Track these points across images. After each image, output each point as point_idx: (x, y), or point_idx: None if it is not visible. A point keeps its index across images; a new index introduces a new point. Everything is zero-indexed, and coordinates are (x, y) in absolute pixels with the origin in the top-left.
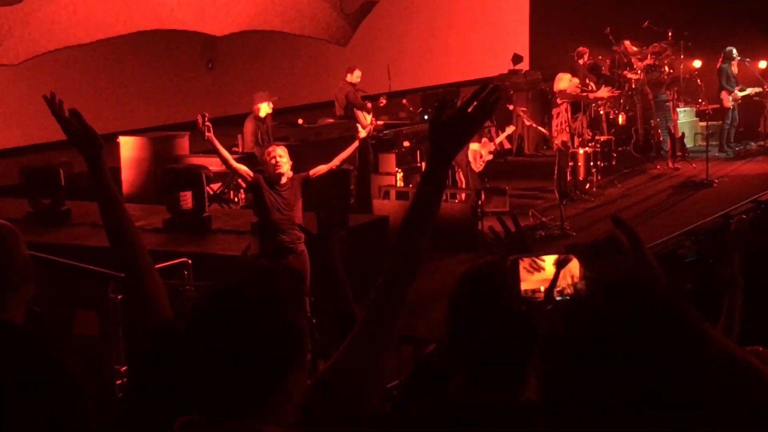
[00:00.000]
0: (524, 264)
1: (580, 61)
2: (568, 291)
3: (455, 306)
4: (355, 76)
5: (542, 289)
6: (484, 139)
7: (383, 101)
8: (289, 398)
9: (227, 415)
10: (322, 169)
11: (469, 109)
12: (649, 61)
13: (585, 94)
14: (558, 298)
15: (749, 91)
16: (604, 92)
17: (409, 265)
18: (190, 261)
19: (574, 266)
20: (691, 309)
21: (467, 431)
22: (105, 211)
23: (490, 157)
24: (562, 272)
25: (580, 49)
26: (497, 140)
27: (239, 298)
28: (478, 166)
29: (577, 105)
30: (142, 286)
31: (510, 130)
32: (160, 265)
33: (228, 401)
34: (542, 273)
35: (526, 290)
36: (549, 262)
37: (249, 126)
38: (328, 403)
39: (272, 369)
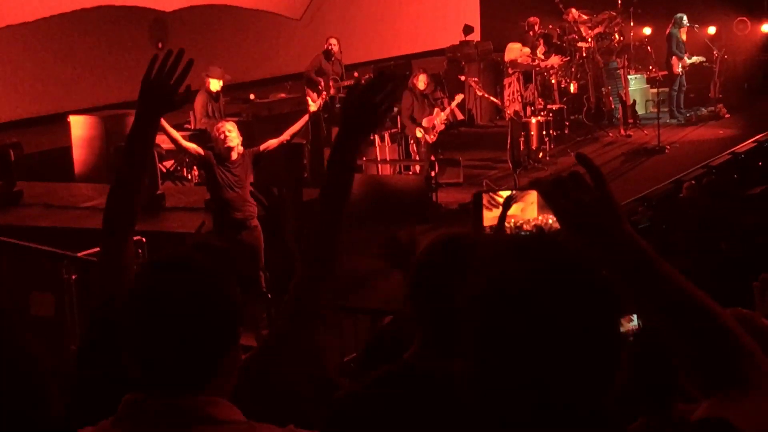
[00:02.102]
0: (485, 200)
1: (530, 33)
2: (527, 227)
3: (421, 274)
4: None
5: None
6: (436, 110)
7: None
8: (231, 375)
9: (172, 393)
10: (272, 143)
11: (375, 100)
12: (599, 29)
13: (536, 63)
14: (522, 233)
15: (695, 59)
16: (554, 60)
17: (330, 247)
18: (144, 239)
19: (532, 200)
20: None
21: (424, 397)
22: (129, 170)
23: (443, 126)
24: (522, 207)
25: (531, 19)
26: (448, 110)
27: (179, 273)
28: (431, 137)
29: (528, 75)
30: (122, 257)
31: (459, 98)
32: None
33: (172, 378)
34: (500, 209)
35: (488, 226)
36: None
37: (200, 101)
38: (269, 375)
39: (215, 345)
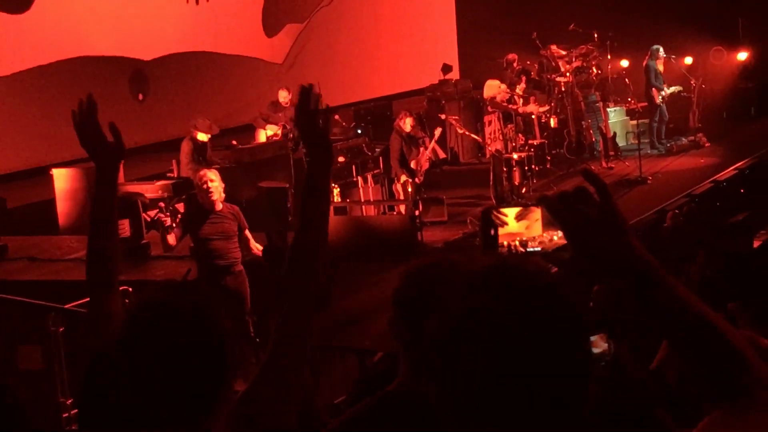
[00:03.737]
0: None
1: (509, 69)
2: (532, 244)
3: (398, 304)
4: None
5: (505, 243)
6: (421, 149)
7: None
8: (222, 414)
9: None
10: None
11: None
12: (576, 63)
13: (514, 107)
14: (530, 249)
15: (673, 89)
16: (533, 108)
17: (312, 282)
18: (131, 289)
19: (536, 217)
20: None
21: (405, 426)
22: (100, 224)
23: (427, 165)
24: (527, 224)
25: (509, 56)
26: (429, 147)
27: (167, 317)
28: (418, 179)
29: (508, 113)
30: (109, 307)
31: (438, 132)
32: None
33: (165, 420)
34: (506, 228)
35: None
36: (511, 216)
37: (185, 149)
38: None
39: (206, 386)
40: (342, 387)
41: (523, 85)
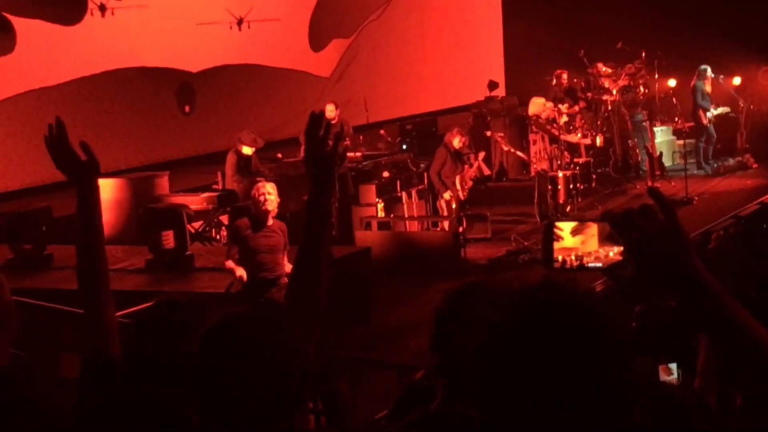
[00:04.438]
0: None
1: (556, 86)
2: (587, 259)
3: (439, 323)
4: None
5: (560, 258)
6: (465, 167)
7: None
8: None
9: None
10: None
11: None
12: (623, 82)
13: (557, 132)
14: (590, 266)
15: (721, 110)
16: (573, 138)
17: (320, 288)
18: None
19: (593, 233)
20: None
21: None
22: (85, 242)
23: (471, 183)
24: (583, 239)
25: (558, 72)
26: (474, 165)
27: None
28: (463, 194)
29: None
30: (106, 322)
31: (481, 155)
32: (143, 306)
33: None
34: (561, 242)
35: (556, 257)
36: (567, 230)
37: (230, 161)
38: None
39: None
40: (381, 402)
41: (566, 105)
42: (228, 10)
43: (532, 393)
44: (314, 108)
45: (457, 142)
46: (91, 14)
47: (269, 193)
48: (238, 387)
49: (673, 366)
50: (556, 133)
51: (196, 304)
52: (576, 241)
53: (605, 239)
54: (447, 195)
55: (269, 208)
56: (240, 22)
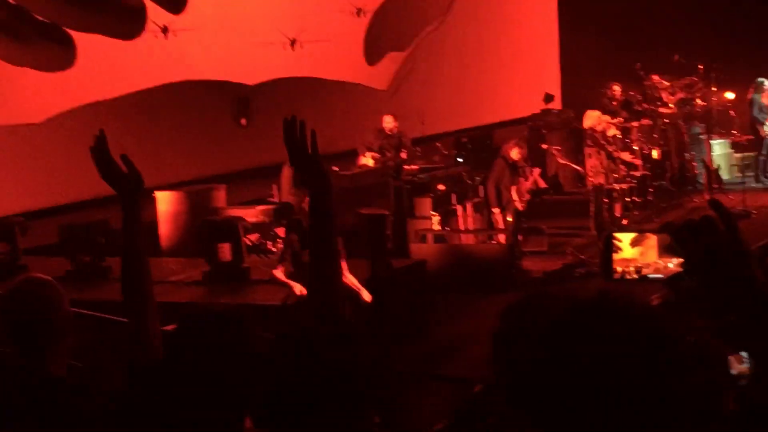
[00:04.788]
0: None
1: (611, 101)
2: (646, 271)
3: (497, 337)
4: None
5: (619, 269)
6: (520, 180)
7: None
8: None
9: None
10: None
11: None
12: (680, 94)
13: (611, 148)
14: (650, 277)
15: None
16: (627, 156)
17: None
18: None
19: (652, 244)
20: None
21: None
22: (131, 256)
23: (528, 196)
24: (641, 251)
25: (610, 84)
26: (530, 179)
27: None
28: (521, 206)
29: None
30: (147, 330)
31: (537, 172)
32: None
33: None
34: (620, 253)
35: (615, 269)
36: (626, 241)
37: (286, 174)
38: None
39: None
40: (438, 415)
41: (619, 119)
42: (280, 31)
43: (593, 407)
44: (371, 121)
45: (515, 154)
46: (155, 36)
47: None
48: (305, 394)
49: (745, 354)
50: (610, 149)
51: (233, 314)
52: (635, 253)
53: (665, 251)
54: (496, 210)
55: None
56: (293, 42)
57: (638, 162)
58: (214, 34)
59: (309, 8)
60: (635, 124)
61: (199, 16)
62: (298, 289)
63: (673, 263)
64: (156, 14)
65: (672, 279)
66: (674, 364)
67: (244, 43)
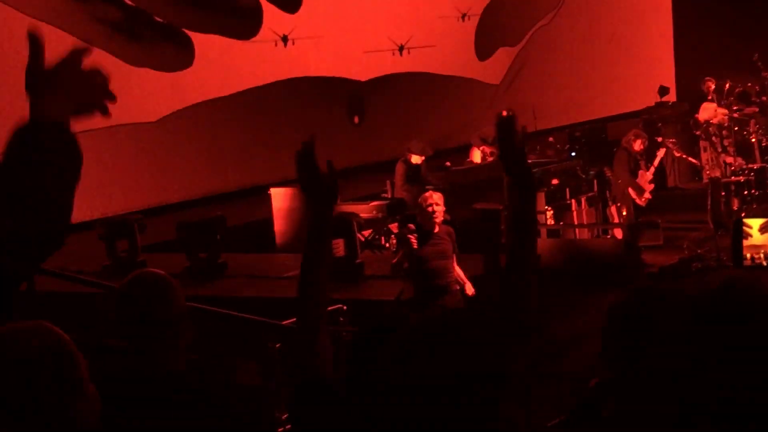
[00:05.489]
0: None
1: (705, 90)
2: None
3: (610, 332)
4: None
5: (748, 256)
6: (640, 172)
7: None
8: None
9: None
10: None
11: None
12: None
13: (718, 150)
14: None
15: None
16: (731, 160)
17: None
18: (345, 307)
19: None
20: None
21: None
22: (316, 264)
23: (651, 186)
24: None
25: (706, 79)
26: (650, 170)
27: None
28: (642, 201)
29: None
30: (321, 343)
31: (661, 153)
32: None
33: None
34: (750, 240)
35: (746, 254)
36: (755, 227)
37: (400, 170)
38: None
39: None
40: (554, 411)
41: (734, 108)
42: (389, 38)
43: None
44: (485, 116)
45: (637, 145)
46: (275, 45)
47: (437, 204)
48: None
49: None
50: (726, 143)
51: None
52: (765, 239)
53: None
54: (633, 194)
55: (438, 219)
56: (401, 49)
57: (735, 163)
58: (331, 43)
59: (415, 15)
60: (748, 111)
61: (312, 24)
62: (470, 288)
63: None
64: (272, 19)
65: None
66: None
67: (354, 50)
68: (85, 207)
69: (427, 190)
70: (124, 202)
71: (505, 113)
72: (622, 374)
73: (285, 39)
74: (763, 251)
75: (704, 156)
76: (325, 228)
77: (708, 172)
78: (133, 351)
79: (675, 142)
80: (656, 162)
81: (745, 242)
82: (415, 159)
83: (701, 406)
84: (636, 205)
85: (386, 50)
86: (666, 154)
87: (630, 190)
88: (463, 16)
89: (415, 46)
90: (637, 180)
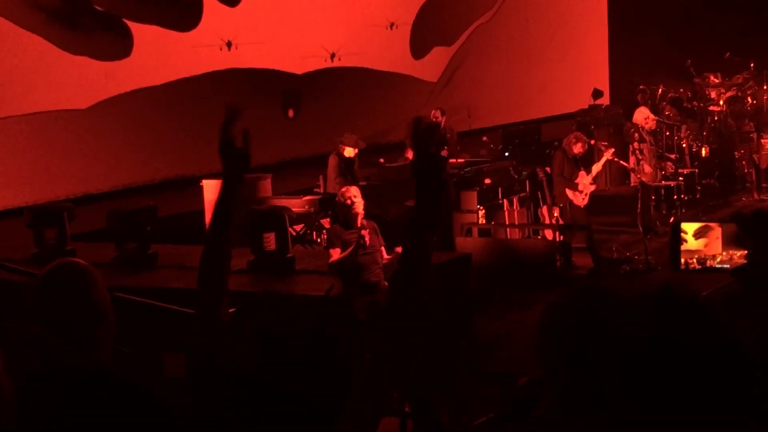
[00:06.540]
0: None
1: (641, 100)
2: (711, 263)
3: (550, 333)
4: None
5: (682, 261)
6: (580, 173)
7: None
8: None
9: None
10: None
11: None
12: (731, 92)
13: (629, 165)
14: (717, 267)
15: None
16: (648, 170)
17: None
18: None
19: (716, 235)
20: None
21: None
22: (219, 233)
23: (593, 187)
24: (706, 242)
25: (641, 87)
26: (593, 171)
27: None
28: (581, 200)
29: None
30: (219, 312)
31: (610, 152)
32: (243, 306)
33: None
34: (684, 245)
35: (684, 259)
36: (690, 232)
37: (332, 164)
38: None
39: None
40: (480, 410)
41: (668, 113)
42: (323, 46)
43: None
44: (420, 114)
45: (576, 148)
46: (219, 50)
47: (355, 196)
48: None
49: None
50: (648, 153)
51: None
52: (699, 244)
53: (730, 242)
54: (569, 194)
55: (359, 210)
56: (333, 56)
57: (670, 167)
58: (273, 49)
59: (345, 25)
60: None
61: (253, 27)
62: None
63: (737, 255)
64: (214, 15)
65: (739, 270)
66: (734, 358)
67: (290, 52)
68: (14, 194)
69: (343, 187)
70: (54, 189)
71: (425, 119)
72: (557, 373)
73: (229, 44)
74: (696, 256)
75: (634, 160)
76: (233, 193)
77: (638, 176)
78: (53, 338)
79: (607, 145)
80: (600, 164)
81: (682, 247)
82: (348, 152)
83: (640, 405)
84: (575, 206)
85: (320, 56)
86: (597, 157)
87: (567, 191)
88: (392, 25)
89: (347, 53)
90: (576, 181)
